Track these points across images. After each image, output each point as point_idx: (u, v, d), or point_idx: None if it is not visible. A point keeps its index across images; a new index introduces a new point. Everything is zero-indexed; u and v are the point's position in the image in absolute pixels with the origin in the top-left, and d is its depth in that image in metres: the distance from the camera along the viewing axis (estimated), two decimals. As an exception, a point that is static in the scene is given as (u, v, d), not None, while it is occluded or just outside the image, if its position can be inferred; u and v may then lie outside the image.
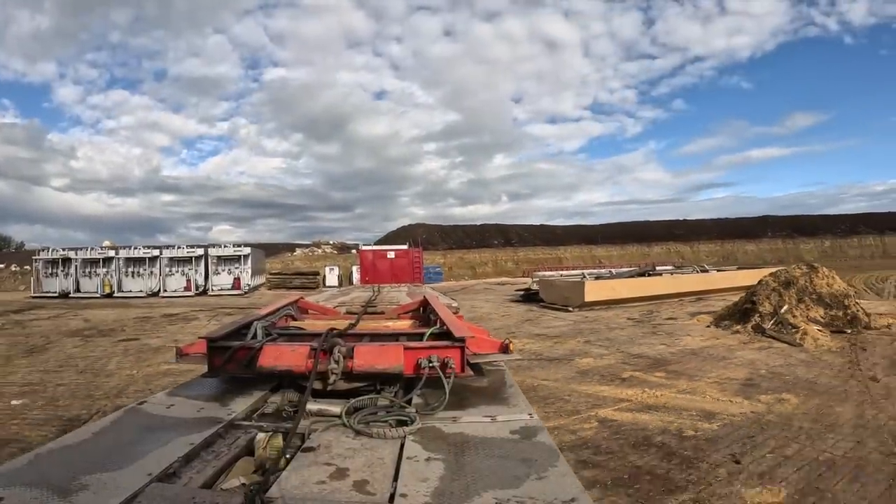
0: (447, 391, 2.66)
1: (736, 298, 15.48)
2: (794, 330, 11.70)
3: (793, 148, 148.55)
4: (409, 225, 74.79)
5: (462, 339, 2.93)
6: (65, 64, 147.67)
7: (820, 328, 11.76)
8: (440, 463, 2.04)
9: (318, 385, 2.75)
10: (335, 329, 3.49)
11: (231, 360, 3.01)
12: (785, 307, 12.81)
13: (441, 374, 2.73)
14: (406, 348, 2.87)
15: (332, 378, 2.74)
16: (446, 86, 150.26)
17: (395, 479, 1.92)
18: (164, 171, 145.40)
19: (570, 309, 18.58)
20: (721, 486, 4.50)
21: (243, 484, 2.01)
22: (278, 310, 4.66)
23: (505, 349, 3.18)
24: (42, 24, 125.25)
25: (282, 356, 2.86)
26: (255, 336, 3.38)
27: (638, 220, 76.76)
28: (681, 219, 77.12)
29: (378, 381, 2.83)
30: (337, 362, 2.74)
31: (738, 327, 12.85)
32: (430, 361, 2.76)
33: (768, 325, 12.24)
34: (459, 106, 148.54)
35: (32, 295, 32.92)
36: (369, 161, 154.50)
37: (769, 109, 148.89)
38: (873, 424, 5.99)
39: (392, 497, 1.78)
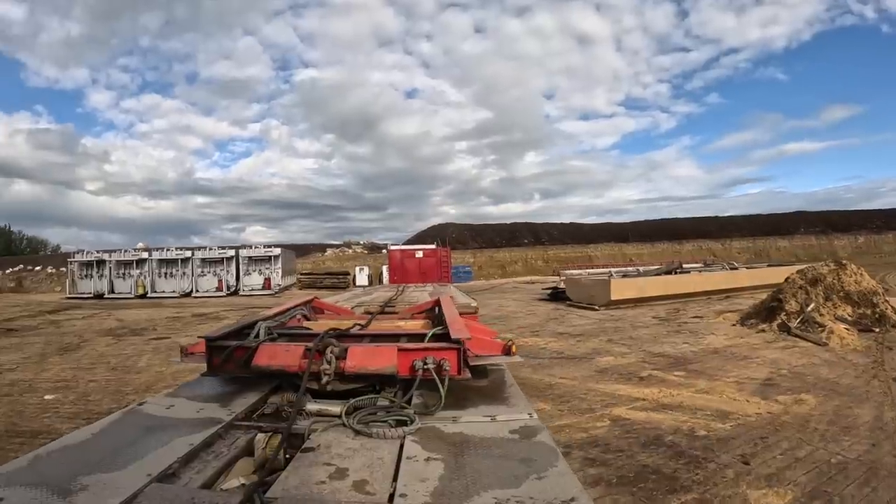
0: (442, 393, 2.64)
1: (765, 296, 15.29)
2: (820, 328, 11.50)
3: (828, 141, 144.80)
4: (440, 224, 74.97)
5: (458, 341, 2.88)
6: (97, 69, 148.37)
7: (847, 327, 11.51)
8: (440, 463, 2.03)
9: (317, 385, 2.75)
10: (336, 329, 3.54)
11: (229, 360, 3.02)
12: (811, 305, 12.64)
13: (435, 376, 2.70)
14: (400, 349, 2.86)
15: (325, 378, 2.75)
16: (477, 83, 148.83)
17: (395, 479, 1.91)
18: (197, 173, 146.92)
19: (596, 307, 18.47)
20: (727, 486, 4.49)
21: (243, 484, 2.02)
22: (289, 310, 4.66)
23: (507, 351, 3.13)
24: (73, 31, 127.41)
25: (276, 356, 2.89)
26: (257, 336, 3.35)
27: (669, 218, 76.08)
28: (713, 215, 76.13)
29: (375, 381, 2.84)
30: (329, 363, 2.76)
31: (764, 326, 12.70)
32: (425, 363, 2.74)
33: (794, 323, 12.07)
34: (491, 103, 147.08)
35: (67, 296, 33.68)
36: (401, 161, 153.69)
37: (804, 102, 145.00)
38: (891, 427, 5.87)
39: (392, 497, 1.78)
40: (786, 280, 14.19)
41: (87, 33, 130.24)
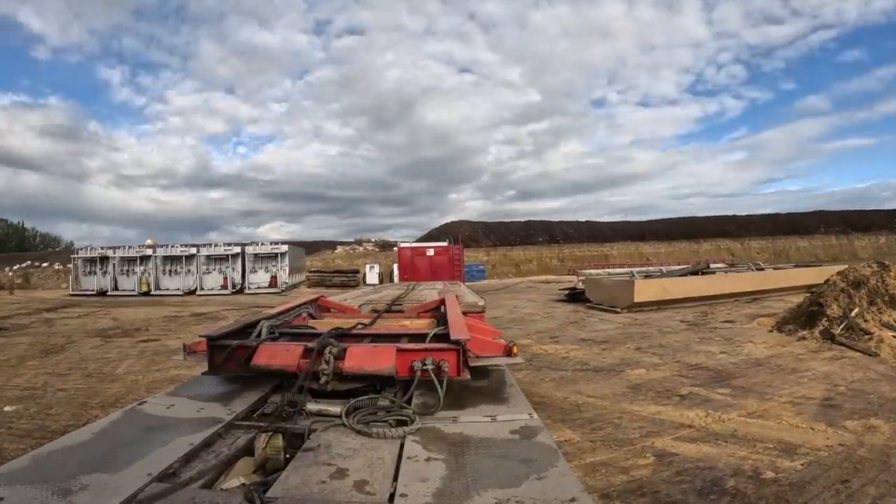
0: (441, 394, 2.65)
1: (794, 299, 14.43)
2: (866, 336, 10.44)
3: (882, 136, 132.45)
4: (453, 222, 74.09)
5: (457, 342, 2.88)
6: (108, 43, 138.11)
7: (895, 334, 10.49)
8: (440, 463, 2.04)
9: (316, 385, 2.78)
10: (339, 329, 3.58)
11: (230, 359, 3.03)
12: (855, 310, 11.54)
13: (434, 377, 2.70)
14: (399, 350, 2.85)
15: (323, 379, 2.75)
16: (531, 60, 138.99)
17: (395, 479, 1.92)
18: (214, 168, 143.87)
19: (619, 310, 17.53)
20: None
21: (243, 484, 2.01)
22: (293, 308, 4.70)
23: (508, 352, 3.14)
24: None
25: (275, 355, 2.92)
26: (259, 334, 3.39)
27: (686, 217, 74.46)
28: (731, 214, 74.94)
29: (375, 381, 2.85)
30: (328, 363, 2.77)
31: (804, 333, 11.60)
32: (424, 364, 2.74)
33: (837, 330, 11.01)
34: (540, 84, 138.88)
35: (70, 293, 33.45)
36: (434, 150, 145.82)
37: (861, 93, 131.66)
38: None
39: (392, 497, 1.79)
40: (826, 282, 13.11)
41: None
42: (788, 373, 8.48)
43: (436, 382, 2.67)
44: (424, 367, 2.72)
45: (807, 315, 12.47)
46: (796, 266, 27.61)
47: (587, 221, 76.18)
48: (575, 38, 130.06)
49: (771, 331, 12.66)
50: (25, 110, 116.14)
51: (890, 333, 10.48)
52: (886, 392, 7.21)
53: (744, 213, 74.03)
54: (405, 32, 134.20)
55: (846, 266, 14.42)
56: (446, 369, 2.73)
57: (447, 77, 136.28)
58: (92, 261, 34.49)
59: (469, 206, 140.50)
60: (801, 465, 4.88)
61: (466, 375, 2.85)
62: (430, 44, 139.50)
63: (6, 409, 7.43)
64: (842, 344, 10.41)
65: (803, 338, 11.34)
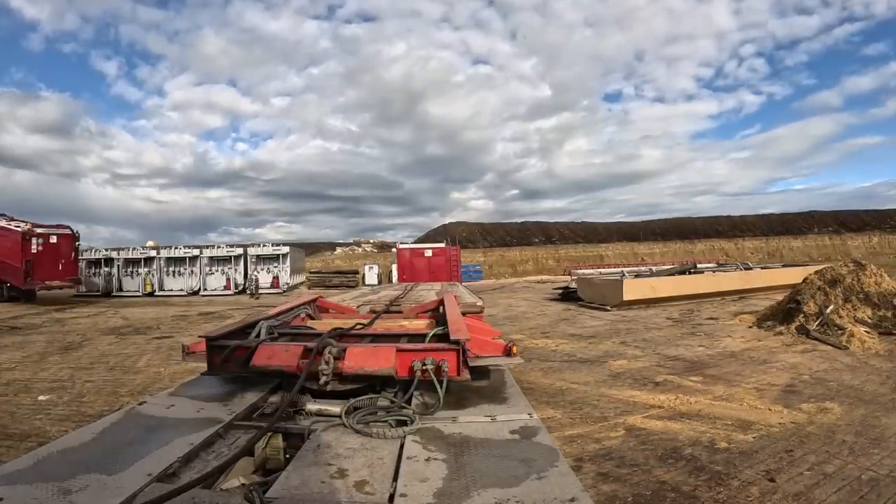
0: (441, 394, 2.67)
1: (779, 297, 14.93)
2: (839, 331, 11.10)
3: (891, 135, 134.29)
4: (451, 223, 74.65)
5: (457, 342, 2.89)
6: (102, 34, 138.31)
7: (867, 329, 11.10)
8: (440, 463, 2.05)
9: (316, 385, 2.78)
10: (338, 329, 3.58)
11: (229, 359, 3.04)
12: (831, 307, 12.22)
13: (433, 377, 2.72)
14: (399, 350, 2.87)
15: (323, 379, 2.75)
16: (545, 51, 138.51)
17: (395, 479, 1.93)
18: (212, 166, 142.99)
19: (609, 308, 18.12)
20: (752, 507, 4.15)
21: (243, 484, 2.04)
22: (291, 309, 4.68)
23: (507, 352, 3.14)
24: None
25: (275, 356, 2.93)
26: (258, 335, 3.39)
27: (681, 217, 75.62)
28: (725, 215, 75.50)
29: (375, 381, 2.85)
30: (328, 363, 2.77)
31: (782, 328, 12.30)
32: (424, 364, 2.76)
33: (813, 325, 11.67)
34: (551, 79, 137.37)
35: (75, 294, 33.54)
36: (438, 148, 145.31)
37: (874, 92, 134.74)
38: (924, 438, 5.45)
39: (392, 497, 1.80)
40: (804, 281, 13.79)
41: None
42: (759, 363, 9.13)
43: (436, 382, 2.70)
44: (424, 367, 2.74)
45: (785, 312, 13.12)
46: (784, 266, 28.21)
47: (582, 222, 77.22)
48: (595, 26, 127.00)
49: (751, 327, 13.31)
50: (17, 104, 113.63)
51: (862, 328, 11.13)
52: (847, 380, 7.85)
53: (738, 214, 74.74)
54: (420, 19, 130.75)
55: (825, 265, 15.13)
56: (446, 369, 2.75)
57: (460, 69, 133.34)
58: (96, 262, 34.84)
59: (472, 205, 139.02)
60: (753, 438, 5.58)
61: (466, 375, 2.86)
62: (445, 32, 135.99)
63: (41, 398, 7.90)
64: (815, 338, 11.04)
65: (780, 333, 12.00)
